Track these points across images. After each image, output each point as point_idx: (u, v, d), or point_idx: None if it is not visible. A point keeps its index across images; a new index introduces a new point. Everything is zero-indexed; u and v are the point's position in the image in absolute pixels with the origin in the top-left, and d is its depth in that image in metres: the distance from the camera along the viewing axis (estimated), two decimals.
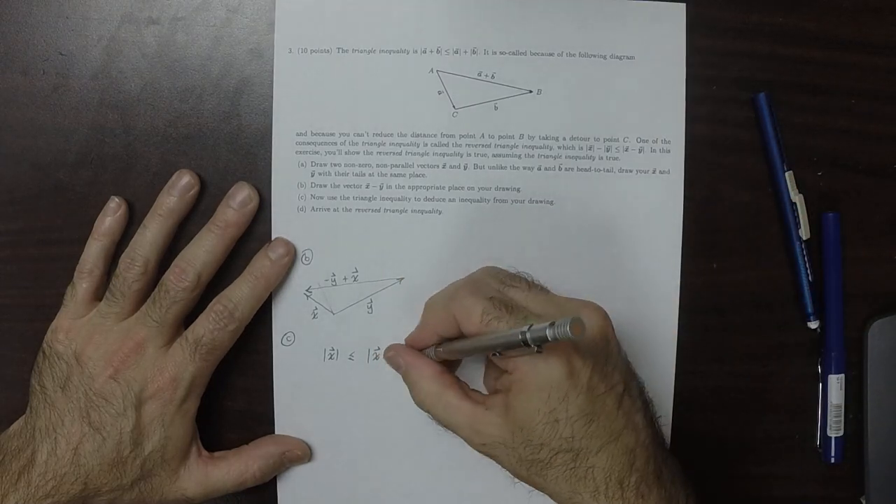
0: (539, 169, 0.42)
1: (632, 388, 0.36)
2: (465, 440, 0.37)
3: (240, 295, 0.40)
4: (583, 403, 0.34)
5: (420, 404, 0.38)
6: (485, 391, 0.40)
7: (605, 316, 0.36)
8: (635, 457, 0.35)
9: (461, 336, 0.37)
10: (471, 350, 0.36)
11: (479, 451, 0.37)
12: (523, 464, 0.35)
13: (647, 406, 0.37)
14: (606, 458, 0.34)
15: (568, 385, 0.34)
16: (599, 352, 0.35)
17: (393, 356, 0.41)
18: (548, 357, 0.33)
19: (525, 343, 0.31)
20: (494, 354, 0.34)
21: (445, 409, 0.37)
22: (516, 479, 0.36)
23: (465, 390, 0.38)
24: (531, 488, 0.36)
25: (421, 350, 0.40)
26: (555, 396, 0.34)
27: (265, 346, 0.43)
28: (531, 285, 0.38)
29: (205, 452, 0.41)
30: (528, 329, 0.30)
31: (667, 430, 0.43)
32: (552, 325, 0.29)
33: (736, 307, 0.44)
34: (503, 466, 0.36)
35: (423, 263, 0.43)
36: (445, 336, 0.38)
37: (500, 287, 0.38)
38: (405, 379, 0.39)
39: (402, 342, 0.41)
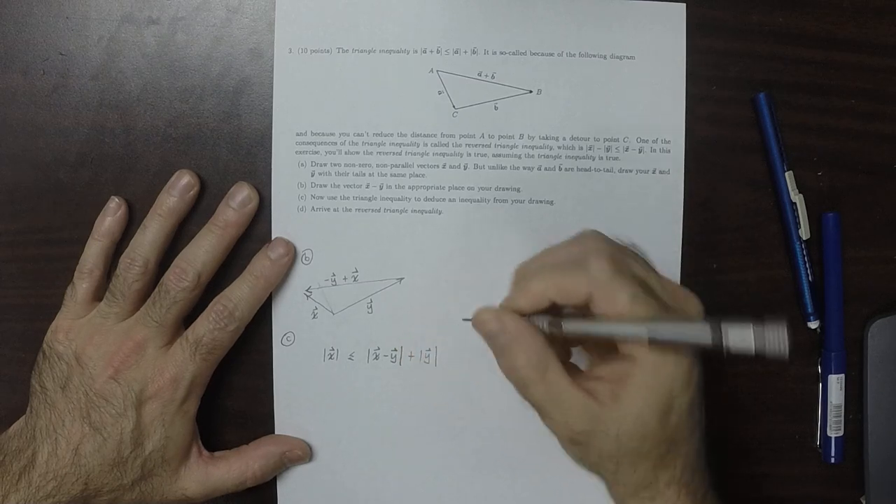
0: (539, 169, 0.42)
1: None
2: (553, 423, 0.34)
3: (240, 295, 0.40)
4: (693, 395, 0.34)
5: (513, 372, 0.33)
6: None
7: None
8: (702, 446, 0.35)
9: (566, 309, 0.34)
10: (606, 333, 0.33)
11: (568, 438, 0.34)
12: (619, 451, 0.33)
13: None
14: (690, 447, 0.34)
15: (688, 379, 0.33)
16: None
17: (489, 320, 0.34)
18: (677, 350, 0.32)
19: (717, 345, 0.29)
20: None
21: (548, 388, 0.33)
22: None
23: (570, 371, 0.34)
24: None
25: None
26: (677, 390, 0.33)
27: (265, 346, 0.43)
28: (644, 262, 0.35)
29: (205, 452, 0.41)
30: (718, 329, 0.29)
31: None
32: (759, 327, 0.27)
33: (736, 307, 0.44)
34: (587, 453, 0.34)
35: (423, 263, 0.43)
36: (557, 303, 0.34)
37: (634, 264, 0.34)
38: (495, 342, 0.34)
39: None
